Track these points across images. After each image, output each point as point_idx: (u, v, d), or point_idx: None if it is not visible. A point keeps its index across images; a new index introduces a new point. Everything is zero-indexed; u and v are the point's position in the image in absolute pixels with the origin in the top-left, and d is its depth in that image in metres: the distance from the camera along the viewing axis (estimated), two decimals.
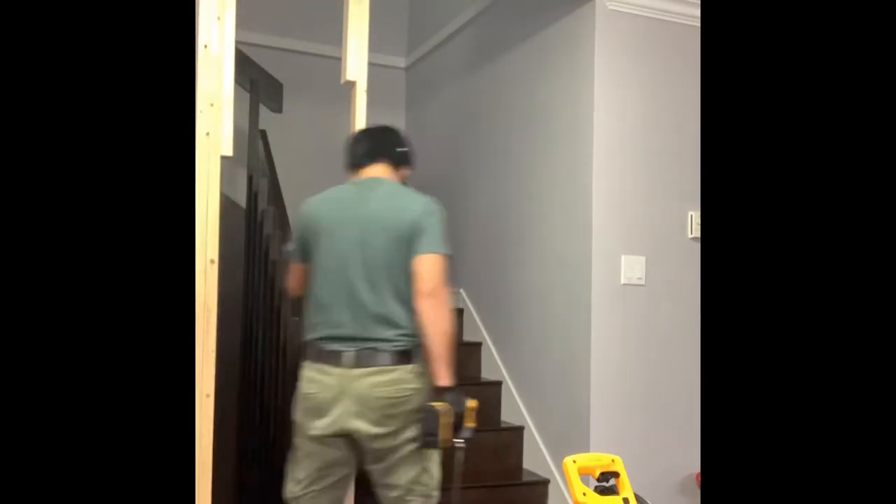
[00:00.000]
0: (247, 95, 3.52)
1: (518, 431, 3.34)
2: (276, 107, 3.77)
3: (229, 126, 2.25)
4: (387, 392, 1.94)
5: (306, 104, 4.40)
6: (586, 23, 3.07)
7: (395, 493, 2.00)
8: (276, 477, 2.54)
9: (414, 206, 2.10)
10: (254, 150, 3.49)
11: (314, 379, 1.99)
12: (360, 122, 2.45)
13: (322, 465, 2.03)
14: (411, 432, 1.95)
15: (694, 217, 3.11)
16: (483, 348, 3.73)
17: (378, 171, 2.19)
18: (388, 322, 1.98)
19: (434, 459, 2.02)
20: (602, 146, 3.00)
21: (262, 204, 3.19)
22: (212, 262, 2.19)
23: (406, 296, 1.99)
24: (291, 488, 2.08)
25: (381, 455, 1.98)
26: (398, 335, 1.98)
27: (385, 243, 2.01)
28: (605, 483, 1.99)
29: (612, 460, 2.04)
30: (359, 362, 1.95)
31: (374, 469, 2.02)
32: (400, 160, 2.24)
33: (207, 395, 2.17)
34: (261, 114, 3.57)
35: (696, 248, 3.10)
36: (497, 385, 3.55)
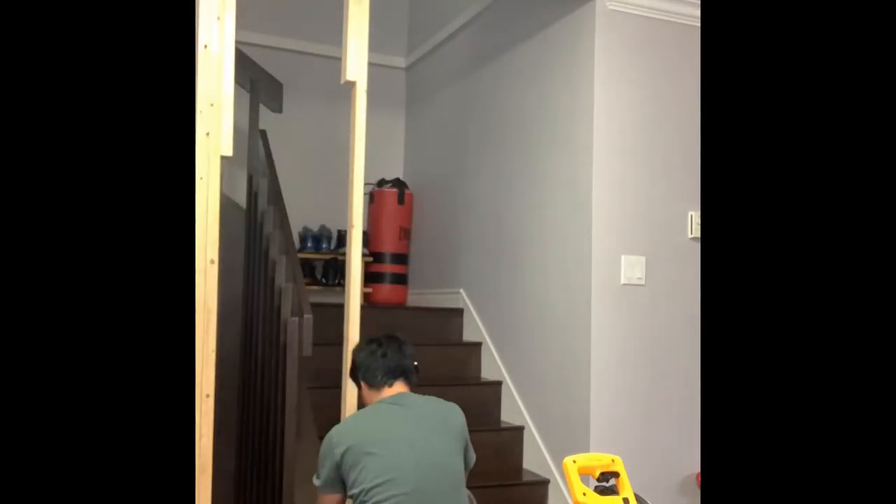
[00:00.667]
0: (247, 95, 3.52)
1: (518, 431, 3.35)
2: (276, 107, 3.78)
3: (229, 126, 2.25)
4: None
5: (306, 104, 4.40)
6: (586, 23, 3.07)
7: None
8: (276, 477, 2.54)
9: (462, 418, 2.17)
10: (254, 150, 3.49)
11: None
12: (360, 122, 2.45)
13: None
14: None
15: (694, 217, 3.11)
16: (483, 348, 3.73)
17: (402, 387, 2.18)
18: None
19: None
20: (602, 146, 3.00)
21: (262, 204, 3.19)
22: (212, 262, 2.19)
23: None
24: None
25: None
26: None
27: (452, 452, 2.08)
28: (605, 483, 1.99)
29: (612, 460, 2.04)
30: None
31: None
32: (414, 377, 2.25)
33: (207, 395, 2.17)
34: (261, 114, 3.57)
35: (696, 248, 3.10)
36: (497, 385, 3.55)
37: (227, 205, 2.51)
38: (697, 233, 3.10)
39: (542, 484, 3.15)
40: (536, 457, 3.24)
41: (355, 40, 2.41)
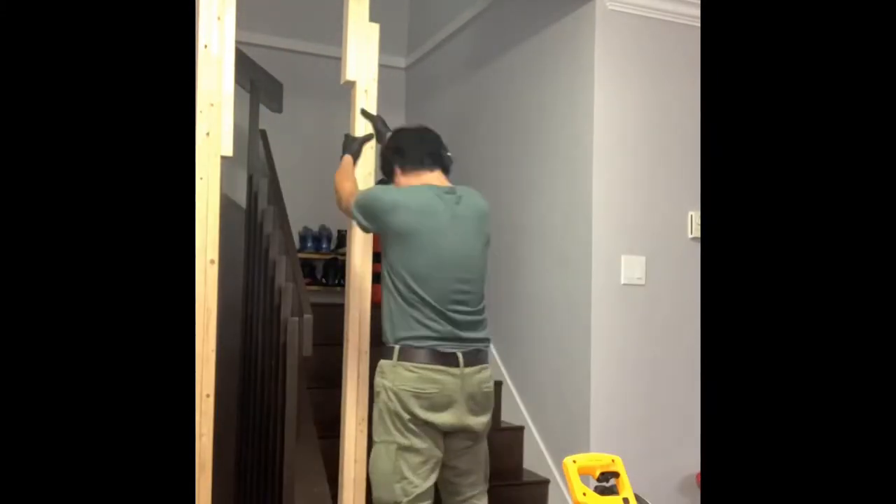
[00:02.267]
0: (247, 95, 3.52)
1: (518, 431, 3.34)
2: (276, 107, 3.77)
3: (229, 126, 2.25)
4: (489, 387, 2.19)
5: (306, 104, 4.40)
6: (586, 23, 3.07)
7: (472, 479, 2.20)
8: (276, 477, 2.54)
9: (486, 210, 2.28)
10: (254, 150, 3.48)
11: (432, 379, 2.07)
12: (360, 122, 2.45)
13: (432, 463, 2.10)
14: (489, 418, 2.22)
15: (694, 217, 3.11)
16: None
17: (441, 178, 2.25)
18: (483, 324, 2.20)
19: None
20: (602, 146, 3.00)
21: (262, 204, 3.19)
22: (212, 262, 2.19)
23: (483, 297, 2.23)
24: (406, 489, 2.06)
25: (472, 444, 2.18)
26: (486, 335, 2.22)
27: (481, 251, 2.22)
28: (605, 483, 1.99)
29: (612, 460, 2.04)
30: (469, 362, 2.12)
31: (461, 459, 2.17)
32: (449, 168, 2.31)
33: (207, 395, 2.17)
34: (261, 114, 3.57)
35: (696, 248, 3.10)
36: (497, 385, 3.55)
37: (227, 205, 2.51)
38: (697, 233, 3.10)
39: (542, 484, 3.15)
40: (536, 457, 3.24)
41: (355, 40, 2.41)
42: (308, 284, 4.22)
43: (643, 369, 3.01)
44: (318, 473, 2.51)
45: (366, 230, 2.27)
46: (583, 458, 2.01)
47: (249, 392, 3.15)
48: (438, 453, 2.11)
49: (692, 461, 3.00)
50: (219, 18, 2.23)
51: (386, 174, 2.32)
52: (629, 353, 2.99)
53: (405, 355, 2.09)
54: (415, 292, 2.09)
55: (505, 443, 3.31)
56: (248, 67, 3.41)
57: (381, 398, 2.11)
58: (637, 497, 1.98)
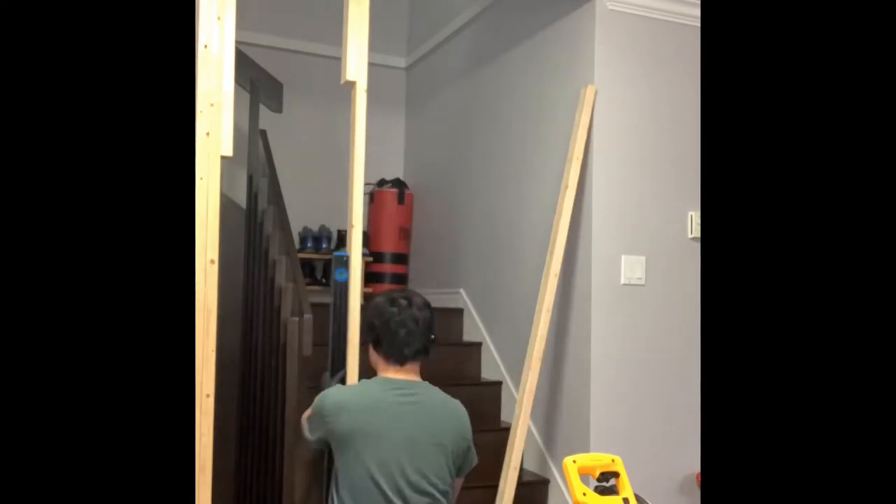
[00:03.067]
0: (247, 95, 3.52)
1: None
2: (276, 107, 3.77)
3: (229, 126, 2.25)
4: None
5: (306, 104, 4.40)
6: (586, 23, 3.07)
7: None
8: (276, 477, 2.54)
9: (462, 422, 2.06)
10: (254, 150, 3.48)
11: None
12: (360, 122, 2.45)
13: None
14: None
15: (694, 217, 3.11)
16: (483, 348, 3.73)
17: (414, 371, 2.05)
18: None
19: None
20: (602, 146, 3.00)
21: (262, 204, 3.19)
22: (212, 262, 2.18)
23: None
24: None
25: None
26: None
27: (437, 459, 1.98)
28: (605, 483, 1.99)
29: (612, 460, 2.04)
30: None
31: None
32: (431, 353, 2.09)
33: (207, 395, 2.17)
34: (261, 114, 3.57)
35: (696, 248, 3.10)
36: (497, 385, 3.55)
37: (227, 205, 2.50)
38: (697, 233, 3.10)
39: (542, 484, 3.15)
40: (536, 457, 3.24)
41: (355, 40, 2.41)
42: (308, 284, 4.22)
43: (643, 369, 3.00)
44: (318, 473, 2.51)
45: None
46: (583, 458, 2.01)
47: (249, 392, 3.15)
48: None
49: (692, 461, 3.00)
50: (219, 18, 2.23)
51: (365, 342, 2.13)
52: (629, 353, 2.99)
53: None
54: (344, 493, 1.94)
55: (505, 443, 3.30)
56: (248, 67, 3.41)
57: None
58: (637, 497, 1.98)
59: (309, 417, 2.06)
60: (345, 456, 1.93)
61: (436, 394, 2.06)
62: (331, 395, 2.00)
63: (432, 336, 2.07)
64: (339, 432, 1.93)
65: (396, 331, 2.01)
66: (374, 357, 2.07)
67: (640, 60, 3.07)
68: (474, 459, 2.11)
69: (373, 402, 1.96)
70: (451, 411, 2.06)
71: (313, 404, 2.04)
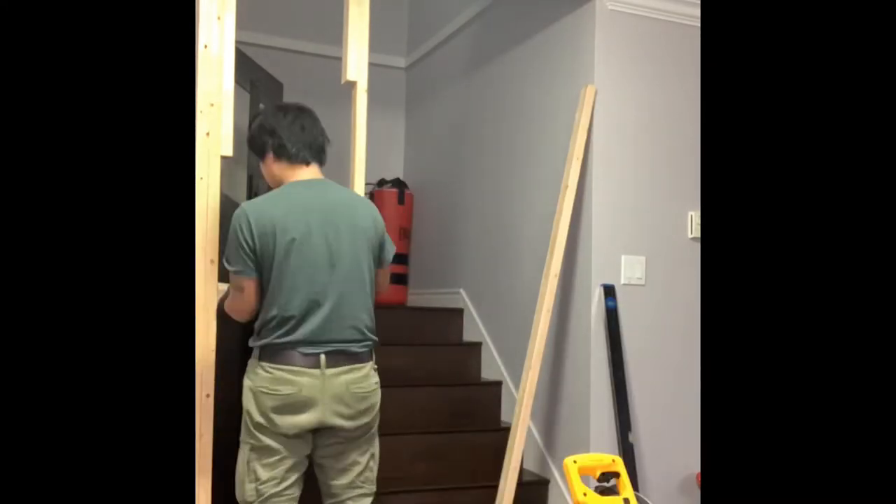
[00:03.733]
0: (247, 95, 3.52)
1: None
2: None
3: (229, 126, 2.25)
4: (360, 388, 2.06)
5: (306, 104, 4.39)
6: (586, 23, 3.07)
7: (346, 479, 2.11)
8: None
9: (375, 214, 2.16)
10: None
11: (287, 380, 1.99)
12: (360, 122, 2.45)
13: (292, 464, 2.03)
14: (369, 419, 2.10)
15: (694, 217, 3.11)
16: (483, 348, 3.73)
17: (317, 171, 2.14)
18: (357, 327, 2.08)
19: (377, 446, 2.18)
20: (602, 146, 3.00)
21: None
22: (212, 262, 2.18)
23: (371, 300, 2.13)
24: (259, 489, 2.01)
25: (345, 444, 2.08)
26: (364, 336, 2.10)
27: (356, 253, 2.07)
28: (606, 483, 1.99)
29: (613, 460, 2.04)
30: (334, 363, 2.03)
31: (329, 459, 2.09)
32: (325, 156, 2.18)
33: (207, 395, 2.17)
34: None
35: (696, 248, 3.10)
36: (497, 385, 3.55)
37: (227, 205, 2.50)
38: (697, 233, 3.10)
39: (542, 484, 3.15)
40: (536, 457, 3.24)
41: (355, 40, 2.41)
42: None
43: (643, 369, 3.00)
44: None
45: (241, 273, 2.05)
46: (584, 459, 2.01)
47: None
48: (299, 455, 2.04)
49: (692, 461, 3.00)
50: (219, 18, 2.23)
51: (258, 156, 2.20)
52: (629, 353, 2.99)
53: (266, 356, 2.03)
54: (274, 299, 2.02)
55: (505, 443, 3.30)
56: (248, 67, 3.41)
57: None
58: (637, 497, 1.98)
59: (226, 257, 2.06)
60: (272, 273, 2.00)
61: (343, 191, 2.15)
62: (240, 213, 2.02)
63: (326, 138, 2.17)
64: (259, 241, 1.98)
65: (296, 129, 2.09)
66: (276, 168, 2.12)
67: (640, 60, 3.07)
68: (392, 250, 2.23)
69: (287, 201, 2.02)
70: (362, 205, 2.14)
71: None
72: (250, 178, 3.50)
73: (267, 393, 1.99)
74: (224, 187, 2.36)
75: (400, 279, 4.53)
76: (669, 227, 3.08)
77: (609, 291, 2.92)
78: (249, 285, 2.03)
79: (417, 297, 4.53)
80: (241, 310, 2.10)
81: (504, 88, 3.68)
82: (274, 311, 2.00)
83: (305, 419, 1.99)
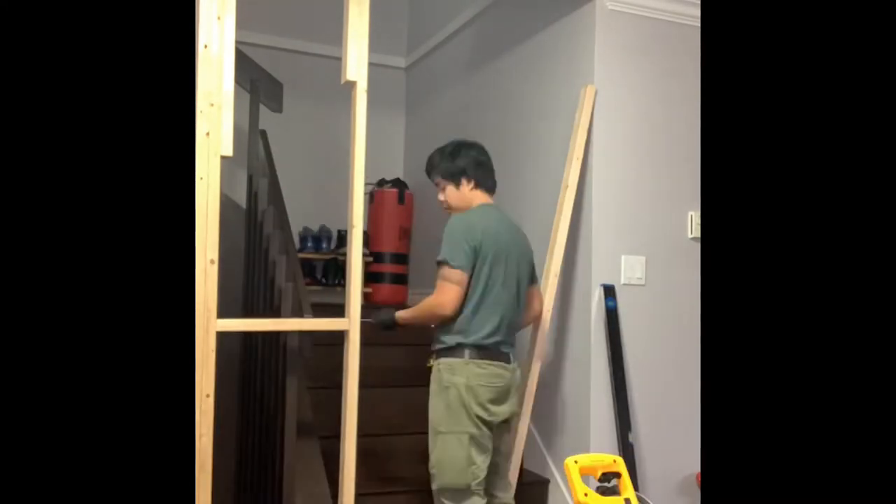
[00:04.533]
0: (247, 95, 3.52)
1: None
2: (276, 107, 3.77)
3: (229, 126, 2.25)
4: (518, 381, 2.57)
5: (306, 104, 4.40)
6: (586, 23, 3.07)
7: (501, 457, 2.57)
8: (275, 477, 2.54)
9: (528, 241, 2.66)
10: (254, 150, 3.48)
11: (498, 374, 2.41)
12: (360, 122, 2.44)
13: (490, 448, 2.42)
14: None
15: (694, 217, 3.11)
16: None
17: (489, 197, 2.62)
18: (515, 329, 2.58)
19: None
20: (602, 146, 3.00)
21: (262, 204, 3.19)
22: (212, 262, 2.18)
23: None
24: (474, 472, 2.34)
25: (506, 428, 2.58)
26: (514, 339, 2.58)
27: (525, 273, 2.56)
28: (607, 483, 1.99)
29: (614, 461, 2.04)
30: (513, 360, 2.52)
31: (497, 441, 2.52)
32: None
33: (207, 395, 2.16)
34: (261, 114, 3.57)
35: (696, 248, 3.10)
36: None
37: (227, 205, 2.50)
38: (697, 233, 3.10)
39: (542, 484, 3.15)
40: (536, 457, 3.24)
41: (355, 40, 2.41)
42: (308, 284, 4.22)
43: (643, 369, 3.00)
44: (318, 473, 2.51)
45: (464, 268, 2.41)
46: (584, 459, 2.01)
47: (249, 392, 3.15)
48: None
49: (692, 461, 3.00)
50: (219, 18, 2.23)
51: (452, 180, 2.57)
52: (629, 353, 2.99)
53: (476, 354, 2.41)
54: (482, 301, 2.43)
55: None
56: (248, 67, 3.41)
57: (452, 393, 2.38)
58: (639, 497, 1.98)
59: (448, 255, 2.40)
60: (483, 277, 2.41)
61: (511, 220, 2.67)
62: (463, 218, 2.49)
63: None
64: (483, 245, 2.40)
65: (489, 162, 2.61)
66: (467, 193, 2.56)
67: (640, 60, 3.07)
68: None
69: (495, 220, 2.49)
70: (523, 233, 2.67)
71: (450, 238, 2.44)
72: (250, 178, 3.50)
73: (485, 386, 2.37)
74: (224, 187, 2.36)
75: (400, 279, 4.53)
76: (669, 227, 3.08)
77: (609, 291, 2.93)
78: (464, 279, 2.39)
79: (417, 297, 4.52)
80: (453, 302, 2.39)
81: (504, 88, 3.68)
82: (481, 308, 2.39)
83: (504, 409, 2.44)
